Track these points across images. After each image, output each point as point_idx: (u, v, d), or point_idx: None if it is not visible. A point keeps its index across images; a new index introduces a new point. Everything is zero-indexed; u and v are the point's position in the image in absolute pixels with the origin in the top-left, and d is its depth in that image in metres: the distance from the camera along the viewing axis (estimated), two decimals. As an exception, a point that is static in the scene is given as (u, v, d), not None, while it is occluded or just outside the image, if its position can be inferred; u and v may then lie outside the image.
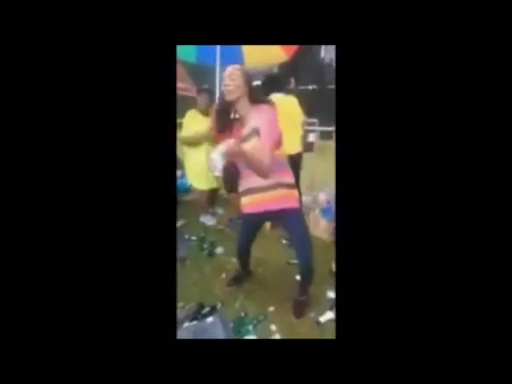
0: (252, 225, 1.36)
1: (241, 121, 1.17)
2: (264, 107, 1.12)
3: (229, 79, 1.11)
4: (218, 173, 1.17)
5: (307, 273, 1.35)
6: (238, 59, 2.32)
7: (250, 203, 1.23)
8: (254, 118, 1.12)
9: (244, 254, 1.50)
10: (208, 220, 2.33)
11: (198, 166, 2.06)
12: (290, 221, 1.22)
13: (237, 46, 2.28)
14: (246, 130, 1.13)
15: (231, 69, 1.13)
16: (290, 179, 1.20)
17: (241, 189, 1.24)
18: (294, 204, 1.21)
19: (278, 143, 1.15)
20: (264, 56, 2.31)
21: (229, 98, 1.12)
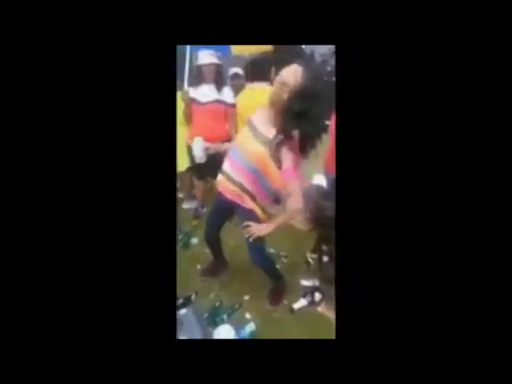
0: (220, 209, 1.34)
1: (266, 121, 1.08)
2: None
3: (293, 78, 0.97)
4: (200, 160, 1.22)
5: (262, 266, 1.38)
6: (225, 47, 2.30)
7: (224, 185, 1.21)
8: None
9: (213, 241, 1.47)
10: (192, 204, 2.31)
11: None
12: (247, 216, 1.20)
13: None
14: (263, 131, 1.07)
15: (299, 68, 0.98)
16: (265, 204, 1.18)
17: (224, 168, 1.21)
18: (245, 205, 1.18)
19: None
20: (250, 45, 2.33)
21: (279, 98, 0.99)
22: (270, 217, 1.22)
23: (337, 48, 0.67)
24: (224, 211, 1.33)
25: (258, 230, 1.15)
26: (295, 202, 1.09)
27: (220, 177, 1.22)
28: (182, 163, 2.08)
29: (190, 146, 1.50)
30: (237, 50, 2.44)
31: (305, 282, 1.60)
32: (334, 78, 0.82)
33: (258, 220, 1.18)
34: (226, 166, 1.19)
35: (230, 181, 1.17)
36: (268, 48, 2.45)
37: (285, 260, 1.79)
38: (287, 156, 1.04)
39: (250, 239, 1.17)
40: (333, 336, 0.67)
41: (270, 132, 1.05)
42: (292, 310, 1.40)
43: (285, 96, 0.99)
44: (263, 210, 1.19)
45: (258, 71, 1.85)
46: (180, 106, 1.93)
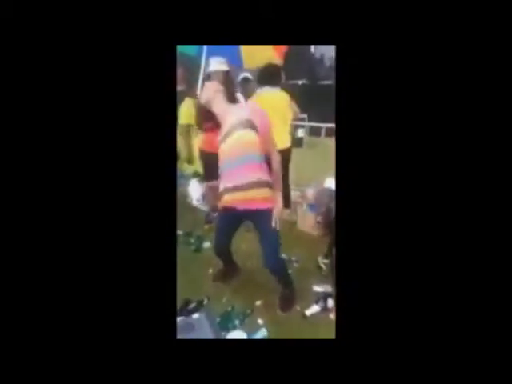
0: (229, 223, 1.34)
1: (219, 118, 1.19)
2: (249, 103, 1.16)
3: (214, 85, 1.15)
4: (197, 202, 1.29)
5: (276, 271, 1.36)
6: (237, 60, 2.38)
7: (228, 200, 1.23)
8: (242, 110, 1.14)
9: (223, 252, 1.47)
10: (202, 205, 2.36)
11: (189, 151, 2.10)
12: (263, 220, 1.20)
13: (236, 49, 2.30)
14: (232, 121, 1.14)
15: (218, 66, 1.15)
16: (266, 177, 1.19)
17: (221, 188, 1.24)
18: (270, 205, 1.20)
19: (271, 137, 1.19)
20: (261, 58, 2.41)
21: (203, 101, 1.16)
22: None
23: (337, 48, 0.67)
24: (232, 223, 1.34)
25: (276, 215, 1.19)
26: (275, 158, 1.19)
27: (226, 196, 1.22)
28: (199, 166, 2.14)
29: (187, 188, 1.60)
30: (248, 63, 2.49)
31: (317, 288, 1.57)
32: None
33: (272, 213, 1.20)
34: (226, 182, 1.20)
35: (238, 189, 1.17)
36: (278, 61, 2.49)
37: (296, 265, 1.77)
38: (258, 123, 1.12)
39: (278, 227, 1.20)
40: (333, 336, 0.66)
41: (238, 116, 1.13)
42: (304, 317, 1.38)
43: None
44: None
45: (267, 76, 1.88)
46: (192, 112, 1.97)
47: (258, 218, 1.20)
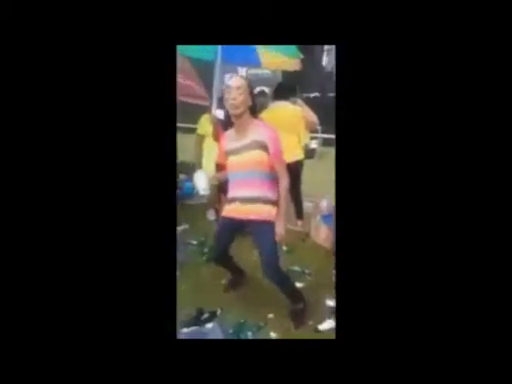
0: (226, 231, 1.36)
1: (240, 131, 1.20)
2: (267, 124, 1.17)
3: (237, 92, 1.10)
4: (203, 192, 1.33)
5: (278, 283, 1.34)
6: (255, 61, 2.38)
7: (231, 209, 1.27)
8: (257, 131, 1.16)
9: (220, 260, 1.47)
10: (211, 215, 2.42)
11: (212, 162, 2.15)
12: (262, 231, 1.22)
13: (254, 50, 2.33)
14: (246, 141, 1.17)
15: (238, 80, 1.12)
16: (272, 195, 1.22)
17: (229, 196, 1.28)
18: (271, 218, 1.21)
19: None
20: (279, 63, 2.43)
21: (235, 112, 1.13)
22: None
23: (337, 48, 0.67)
24: (232, 231, 1.35)
25: (280, 232, 1.20)
26: (283, 181, 1.19)
27: (228, 205, 1.28)
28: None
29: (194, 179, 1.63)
30: (266, 63, 2.48)
31: (331, 303, 1.54)
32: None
33: (274, 229, 1.21)
34: (233, 192, 1.25)
35: (243, 202, 1.22)
36: (297, 65, 2.52)
37: (309, 278, 1.75)
38: (271, 142, 1.14)
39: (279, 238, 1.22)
40: (334, 337, 0.66)
41: (248, 137, 1.16)
42: (317, 331, 1.36)
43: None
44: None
45: (284, 91, 1.95)
46: (209, 127, 2.05)
47: (257, 228, 1.22)
